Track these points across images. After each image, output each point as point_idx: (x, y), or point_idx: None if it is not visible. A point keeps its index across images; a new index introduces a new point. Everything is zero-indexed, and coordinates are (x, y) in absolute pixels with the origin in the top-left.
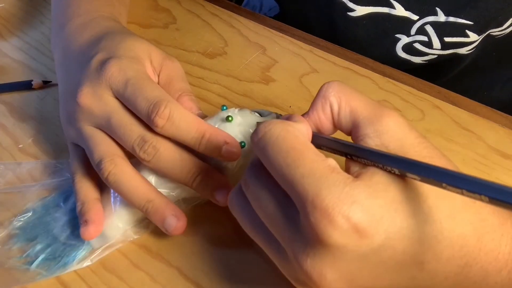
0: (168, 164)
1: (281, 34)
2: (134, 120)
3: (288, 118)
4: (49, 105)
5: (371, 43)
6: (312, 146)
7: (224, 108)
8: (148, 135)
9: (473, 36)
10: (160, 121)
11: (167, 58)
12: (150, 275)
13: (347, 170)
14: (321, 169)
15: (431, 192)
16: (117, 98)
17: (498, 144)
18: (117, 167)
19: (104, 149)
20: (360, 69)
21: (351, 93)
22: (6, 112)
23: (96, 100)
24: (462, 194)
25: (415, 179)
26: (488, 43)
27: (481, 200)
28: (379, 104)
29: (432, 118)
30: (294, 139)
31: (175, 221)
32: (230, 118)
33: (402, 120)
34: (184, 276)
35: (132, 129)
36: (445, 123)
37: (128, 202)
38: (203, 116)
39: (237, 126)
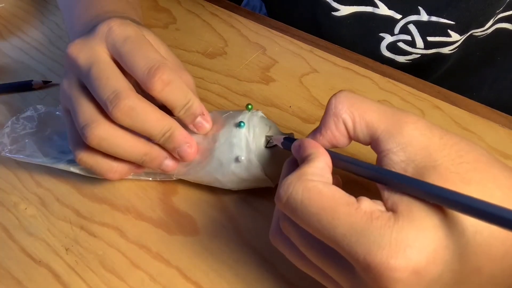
0: (145, 123)
1: (281, 34)
2: (114, 74)
3: (300, 149)
4: (49, 105)
5: (356, 42)
6: (339, 194)
7: (250, 107)
8: (125, 92)
9: (455, 36)
10: (160, 85)
11: (186, 70)
12: (150, 275)
13: (380, 191)
14: (360, 221)
15: None
16: (108, 53)
17: (498, 144)
18: (107, 131)
19: (90, 111)
20: (360, 69)
21: (362, 104)
22: (6, 112)
23: (84, 49)
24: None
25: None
26: (472, 43)
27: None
28: (394, 111)
29: (432, 118)
30: (319, 197)
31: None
32: (242, 124)
33: (422, 124)
34: (184, 276)
35: (108, 83)
36: (445, 123)
37: (125, 158)
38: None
39: (246, 131)
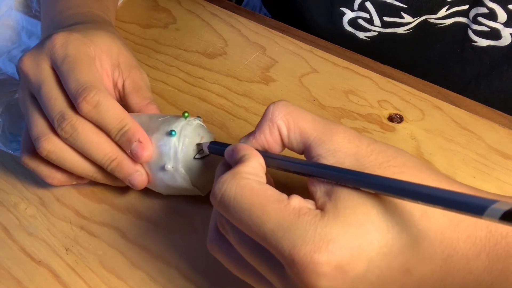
0: (85, 145)
1: (281, 34)
2: (60, 95)
3: (233, 153)
4: None
5: (322, 15)
6: (271, 191)
7: (186, 115)
8: (69, 113)
9: (408, 18)
10: (86, 107)
11: (137, 67)
12: (150, 275)
13: (311, 194)
14: (287, 217)
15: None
16: (53, 69)
17: (498, 144)
18: (55, 145)
19: (41, 126)
20: (360, 69)
21: (298, 113)
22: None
23: (34, 66)
24: (417, 203)
25: (370, 192)
26: (429, 31)
27: (435, 207)
28: (327, 122)
29: (432, 118)
30: (251, 193)
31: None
32: (173, 133)
33: (350, 133)
34: (184, 276)
35: (55, 104)
36: (445, 123)
37: (72, 172)
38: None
39: (176, 140)
